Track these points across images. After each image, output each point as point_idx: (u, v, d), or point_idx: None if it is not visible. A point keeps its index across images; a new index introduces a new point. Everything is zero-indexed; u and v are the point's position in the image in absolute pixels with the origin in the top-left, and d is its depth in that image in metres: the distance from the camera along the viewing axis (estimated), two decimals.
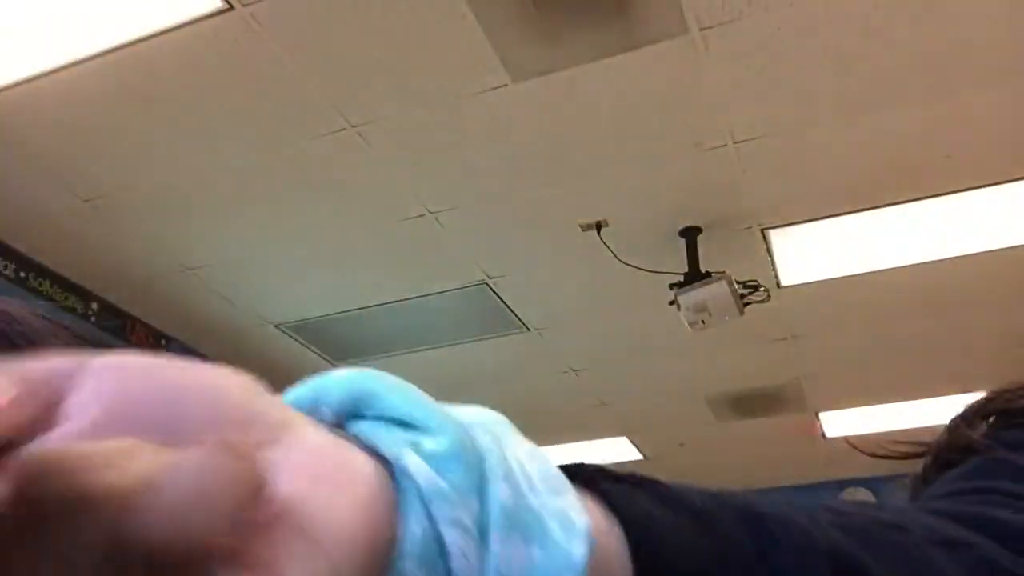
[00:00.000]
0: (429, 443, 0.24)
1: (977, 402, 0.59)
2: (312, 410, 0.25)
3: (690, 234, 3.17)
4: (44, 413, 0.19)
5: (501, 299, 3.66)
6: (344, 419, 0.25)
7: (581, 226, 3.14)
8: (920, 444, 0.61)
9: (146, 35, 2.27)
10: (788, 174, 2.89)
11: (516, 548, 0.23)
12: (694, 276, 3.09)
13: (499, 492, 0.24)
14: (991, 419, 0.57)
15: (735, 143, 2.74)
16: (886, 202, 3.04)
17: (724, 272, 3.07)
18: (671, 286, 3.11)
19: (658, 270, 3.18)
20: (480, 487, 0.24)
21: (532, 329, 3.92)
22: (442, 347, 4.09)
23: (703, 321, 3.13)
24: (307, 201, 3.01)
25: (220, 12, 2.20)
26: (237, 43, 2.31)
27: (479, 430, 0.25)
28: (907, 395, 4.67)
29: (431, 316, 3.79)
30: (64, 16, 2.21)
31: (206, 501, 0.17)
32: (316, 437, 0.22)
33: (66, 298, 3.50)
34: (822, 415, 4.95)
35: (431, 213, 3.06)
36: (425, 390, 0.25)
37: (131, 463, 0.17)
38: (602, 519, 0.27)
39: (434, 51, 2.36)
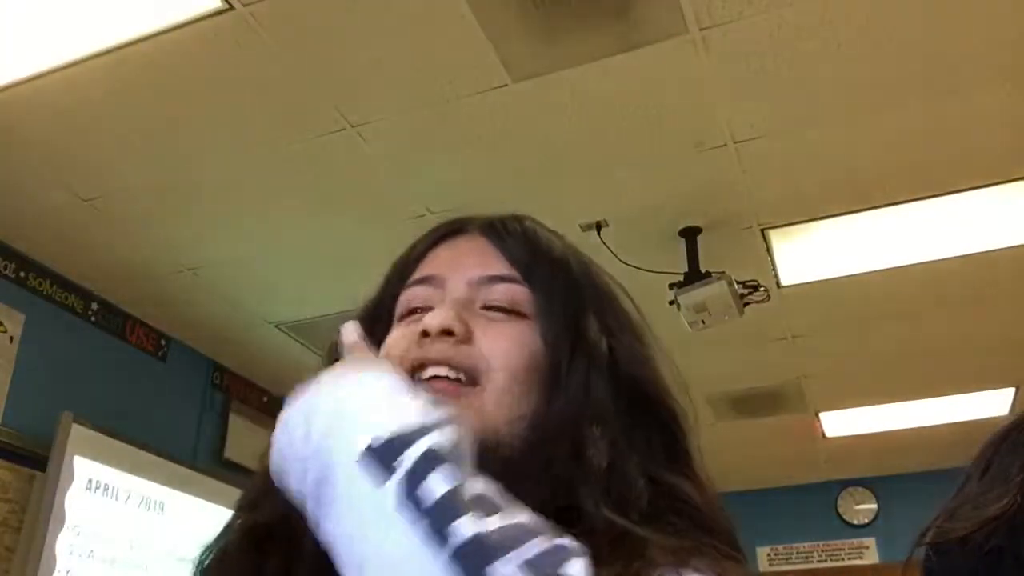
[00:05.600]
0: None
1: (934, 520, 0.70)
2: None
3: (690, 234, 3.17)
4: None
5: None
6: None
7: (581, 226, 3.14)
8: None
9: (146, 35, 2.27)
10: (788, 174, 2.89)
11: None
12: (694, 276, 3.09)
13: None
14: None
15: (735, 143, 2.74)
16: (886, 202, 3.03)
17: (724, 272, 3.07)
18: (671, 286, 3.11)
19: (658, 270, 3.17)
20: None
21: None
22: None
23: (703, 321, 3.13)
24: (307, 201, 3.01)
25: (220, 12, 2.20)
26: (237, 43, 2.31)
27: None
28: (907, 395, 4.67)
29: None
30: (64, 16, 2.21)
31: None
32: None
33: (66, 298, 3.50)
34: (822, 415, 4.94)
35: (431, 213, 3.06)
36: None
37: None
38: None
39: (434, 51, 2.36)
